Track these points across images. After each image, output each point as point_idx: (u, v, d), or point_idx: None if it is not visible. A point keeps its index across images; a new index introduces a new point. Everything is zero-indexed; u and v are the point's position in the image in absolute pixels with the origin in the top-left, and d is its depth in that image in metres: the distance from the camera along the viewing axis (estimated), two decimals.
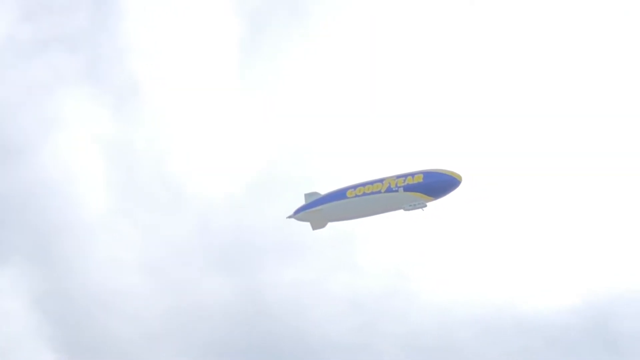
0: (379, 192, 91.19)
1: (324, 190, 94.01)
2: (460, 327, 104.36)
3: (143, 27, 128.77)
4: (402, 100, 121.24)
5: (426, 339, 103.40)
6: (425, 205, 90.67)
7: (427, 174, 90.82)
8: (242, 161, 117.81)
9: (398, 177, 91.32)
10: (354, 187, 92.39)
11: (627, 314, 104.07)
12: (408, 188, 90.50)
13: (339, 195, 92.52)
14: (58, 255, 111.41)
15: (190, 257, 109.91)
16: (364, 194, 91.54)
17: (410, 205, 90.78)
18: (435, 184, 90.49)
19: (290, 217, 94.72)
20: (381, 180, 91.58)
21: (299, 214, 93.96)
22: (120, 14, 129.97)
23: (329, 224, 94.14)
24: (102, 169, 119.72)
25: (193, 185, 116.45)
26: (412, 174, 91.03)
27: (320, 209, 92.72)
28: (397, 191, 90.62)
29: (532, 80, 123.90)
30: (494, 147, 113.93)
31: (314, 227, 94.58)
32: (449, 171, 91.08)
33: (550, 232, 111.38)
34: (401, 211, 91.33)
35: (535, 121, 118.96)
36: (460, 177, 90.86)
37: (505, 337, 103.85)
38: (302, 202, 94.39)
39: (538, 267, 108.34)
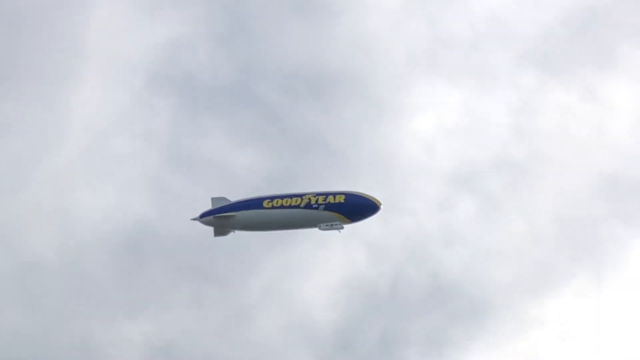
0: (298, 206, 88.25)
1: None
2: None
3: None
4: None
5: None
6: (342, 227, 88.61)
7: (349, 196, 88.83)
8: None
9: (318, 194, 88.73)
10: (271, 198, 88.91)
11: None
12: (329, 207, 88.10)
13: (255, 204, 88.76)
14: None
15: None
16: (282, 207, 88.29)
17: (327, 225, 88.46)
18: (357, 207, 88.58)
19: (195, 219, 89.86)
20: (300, 195, 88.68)
21: (207, 217, 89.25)
22: None
23: (235, 232, 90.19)
24: None
25: None
26: (333, 194, 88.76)
27: (233, 215, 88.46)
28: (316, 208, 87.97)
29: None
30: None
31: (217, 234, 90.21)
32: (370, 196, 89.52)
33: None
34: (315, 230, 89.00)
35: None
36: (380, 204, 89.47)
37: None
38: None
39: None
